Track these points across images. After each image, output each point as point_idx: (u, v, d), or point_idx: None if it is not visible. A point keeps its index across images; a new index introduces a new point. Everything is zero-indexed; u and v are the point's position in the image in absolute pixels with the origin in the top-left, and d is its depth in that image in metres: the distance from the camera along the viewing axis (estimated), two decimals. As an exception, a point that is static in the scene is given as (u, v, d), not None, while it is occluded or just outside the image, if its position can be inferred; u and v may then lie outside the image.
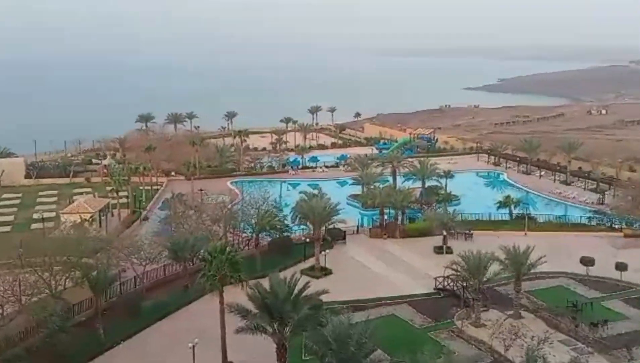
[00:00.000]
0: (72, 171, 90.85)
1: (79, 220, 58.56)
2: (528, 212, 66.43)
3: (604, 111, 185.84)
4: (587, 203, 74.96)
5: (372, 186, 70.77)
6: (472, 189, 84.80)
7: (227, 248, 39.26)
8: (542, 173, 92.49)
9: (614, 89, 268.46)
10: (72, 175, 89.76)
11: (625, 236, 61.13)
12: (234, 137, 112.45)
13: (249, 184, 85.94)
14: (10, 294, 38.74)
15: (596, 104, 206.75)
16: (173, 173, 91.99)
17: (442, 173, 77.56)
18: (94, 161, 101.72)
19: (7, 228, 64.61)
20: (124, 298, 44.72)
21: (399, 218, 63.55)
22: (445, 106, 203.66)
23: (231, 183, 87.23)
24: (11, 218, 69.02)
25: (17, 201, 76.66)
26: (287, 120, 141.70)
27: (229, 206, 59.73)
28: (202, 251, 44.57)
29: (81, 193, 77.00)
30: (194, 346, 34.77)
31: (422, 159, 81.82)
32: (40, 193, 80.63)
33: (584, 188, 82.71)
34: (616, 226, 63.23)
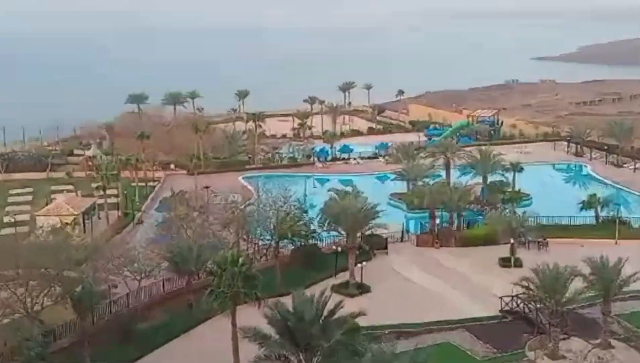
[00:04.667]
0: (50, 164, 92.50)
1: (59, 224, 59.59)
2: (619, 215, 65.48)
3: None
4: (697, 203, 73.55)
5: (420, 183, 70.57)
6: (548, 186, 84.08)
7: (240, 259, 39.54)
8: (638, 165, 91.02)
9: None
10: (49, 169, 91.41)
11: None
12: (247, 121, 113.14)
13: (265, 179, 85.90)
14: (-23, 314, 39.63)
15: None
16: (172, 166, 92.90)
17: (508, 166, 76.90)
18: (75, 151, 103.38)
19: (-28, 234, 65.92)
20: (115, 319, 45.47)
21: (455, 222, 63.24)
22: (512, 81, 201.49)
23: (244, 178, 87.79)
24: (-24, 221, 70.41)
25: (-17, 201, 78.26)
26: (312, 100, 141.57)
27: (242, 207, 60.10)
28: (209, 262, 44.99)
29: (61, 191, 78.24)
30: (200, 379, 35.21)
31: (483, 148, 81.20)
32: (11, 191, 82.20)
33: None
34: None
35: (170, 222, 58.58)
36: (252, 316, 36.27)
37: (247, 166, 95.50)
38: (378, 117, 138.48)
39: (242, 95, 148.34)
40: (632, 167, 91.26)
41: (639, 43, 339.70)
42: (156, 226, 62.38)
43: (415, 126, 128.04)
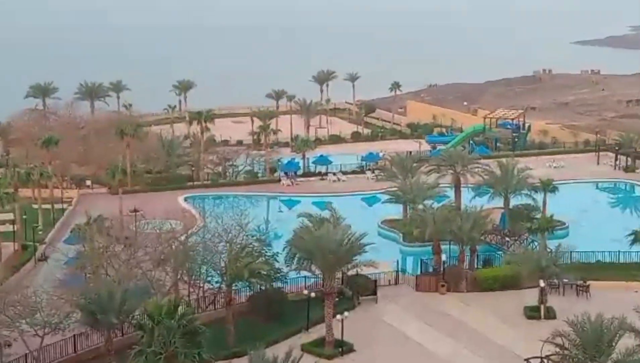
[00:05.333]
0: None
1: None
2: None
3: None
4: None
5: (420, 206, 70.90)
6: (589, 212, 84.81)
7: (179, 308, 39.42)
8: None
9: None
10: None
11: None
12: (190, 123, 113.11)
13: (214, 201, 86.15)
14: None
15: None
16: (89, 183, 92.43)
17: (538, 184, 77.58)
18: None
19: None
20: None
21: (467, 259, 63.61)
22: (544, 71, 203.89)
23: (185, 199, 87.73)
24: None
25: None
26: (279, 95, 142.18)
27: (182, 239, 59.95)
28: (137, 312, 44.79)
29: None
30: None
31: (504, 160, 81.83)
32: None
33: None
34: None
35: (84, 258, 58.21)
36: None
37: (190, 183, 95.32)
38: (366, 119, 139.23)
39: (184, 88, 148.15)
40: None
41: None
42: (65, 263, 61.92)
43: (415, 130, 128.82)
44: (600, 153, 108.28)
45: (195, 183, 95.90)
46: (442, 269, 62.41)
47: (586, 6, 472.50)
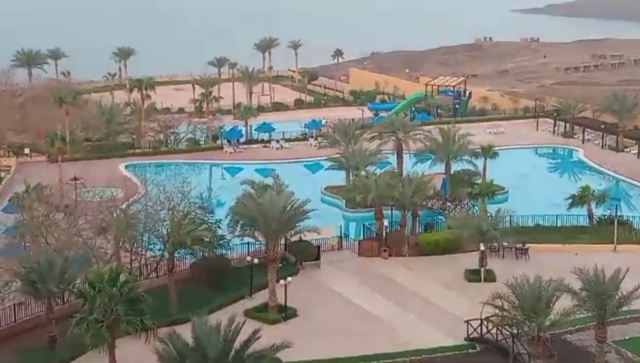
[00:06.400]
0: None
1: None
2: (619, 214, 67.43)
3: None
4: None
5: (362, 172, 71.24)
6: (528, 177, 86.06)
7: (121, 276, 39.17)
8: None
9: None
10: None
11: None
12: (131, 90, 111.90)
13: (156, 169, 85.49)
14: None
15: None
16: (27, 151, 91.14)
17: (478, 150, 78.43)
18: None
19: None
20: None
21: (408, 224, 64.15)
22: (484, 39, 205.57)
23: (126, 167, 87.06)
24: None
25: None
26: (221, 63, 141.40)
27: (124, 207, 59.53)
28: (78, 280, 44.35)
29: None
30: None
31: (445, 127, 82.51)
32: None
33: None
34: None
35: (23, 227, 57.52)
36: (137, 352, 35.97)
37: (131, 151, 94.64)
38: (309, 86, 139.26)
39: (124, 55, 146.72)
40: (636, 152, 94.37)
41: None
42: (4, 232, 61.19)
43: (358, 97, 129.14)
44: (540, 119, 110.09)
45: (137, 150, 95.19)
46: (384, 234, 62.90)
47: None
